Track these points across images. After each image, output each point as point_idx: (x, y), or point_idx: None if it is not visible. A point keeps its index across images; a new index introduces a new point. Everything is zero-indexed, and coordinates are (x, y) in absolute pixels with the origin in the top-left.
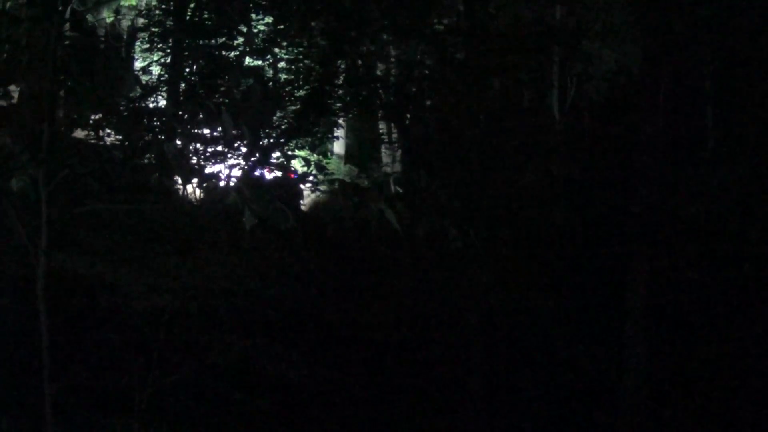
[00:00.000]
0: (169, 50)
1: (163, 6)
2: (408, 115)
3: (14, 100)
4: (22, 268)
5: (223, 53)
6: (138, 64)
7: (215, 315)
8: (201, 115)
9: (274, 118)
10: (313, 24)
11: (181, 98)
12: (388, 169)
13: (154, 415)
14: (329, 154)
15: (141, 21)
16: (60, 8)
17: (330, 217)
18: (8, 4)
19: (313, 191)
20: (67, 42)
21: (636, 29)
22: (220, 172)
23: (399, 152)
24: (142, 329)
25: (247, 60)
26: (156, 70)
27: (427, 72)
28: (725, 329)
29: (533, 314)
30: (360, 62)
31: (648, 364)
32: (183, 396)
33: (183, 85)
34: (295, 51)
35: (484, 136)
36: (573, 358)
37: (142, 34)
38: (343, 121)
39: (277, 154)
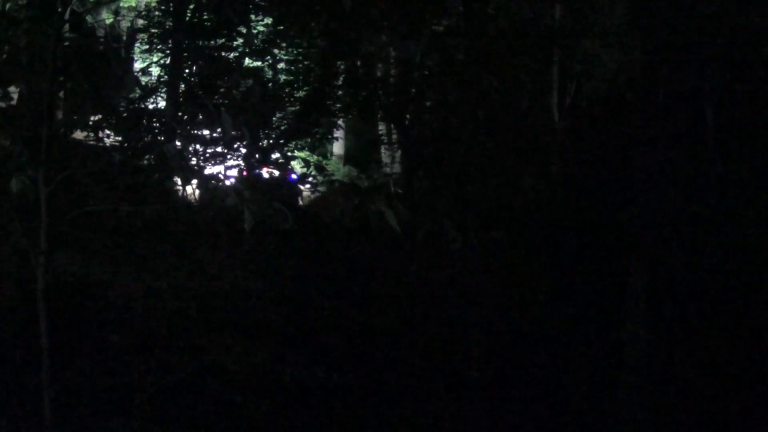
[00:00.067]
0: (168, 51)
1: (163, 7)
2: (408, 116)
3: (14, 101)
4: (22, 269)
5: (223, 54)
6: (137, 65)
7: (215, 316)
8: (201, 116)
9: (274, 118)
10: (312, 25)
11: (181, 99)
12: (388, 170)
13: (153, 415)
14: (329, 155)
15: (140, 22)
16: (59, 9)
17: (329, 217)
18: (8, 6)
19: (312, 192)
20: (66, 43)
21: (635, 29)
22: (219, 173)
23: (399, 153)
24: (141, 330)
25: (247, 61)
26: (155, 71)
27: (426, 73)
28: (725, 328)
29: (533, 314)
30: (359, 63)
31: (648, 362)
32: (182, 397)
33: (183, 86)
34: (295, 52)
35: (484, 136)
36: (573, 357)
37: (141, 35)
38: (343, 121)
39: (277, 155)
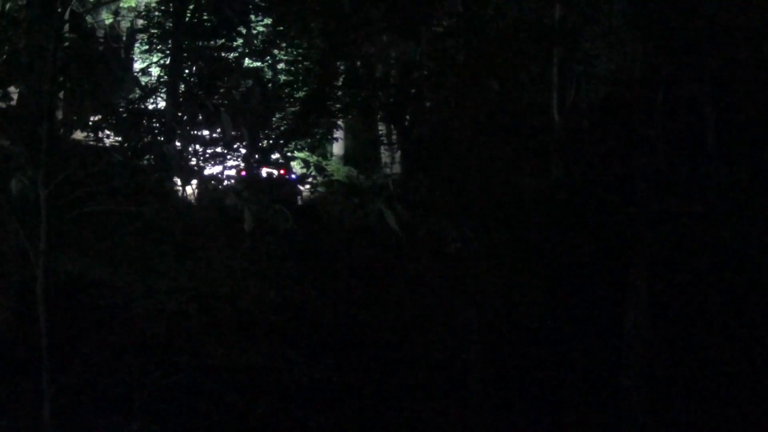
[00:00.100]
0: (168, 52)
1: (163, 7)
2: (407, 117)
3: (14, 102)
4: (22, 269)
5: (223, 55)
6: (137, 66)
7: (214, 316)
8: (200, 117)
9: (274, 119)
10: (312, 25)
11: (181, 100)
12: (388, 171)
13: (153, 415)
14: (329, 155)
15: (140, 22)
16: (59, 10)
17: (329, 217)
18: (8, 6)
19: (312, 192)
20: (66, 44)
21: (635, 30)
22: (219, 173)
23: (398, 153)
24: (141, 330)
25: (247, 61)
26: (155, 71)
27: (426, 73)
28: (726, 328)
29: (532, 314)
30: (359, 63)
31: (648, 362)
32: (182, 396)
33: (182, 86)
34: (295, 52)
35: (484, 137)
36: (572, 357)
37: (141, 36)
38: (342, 122)
39: (277, 155)
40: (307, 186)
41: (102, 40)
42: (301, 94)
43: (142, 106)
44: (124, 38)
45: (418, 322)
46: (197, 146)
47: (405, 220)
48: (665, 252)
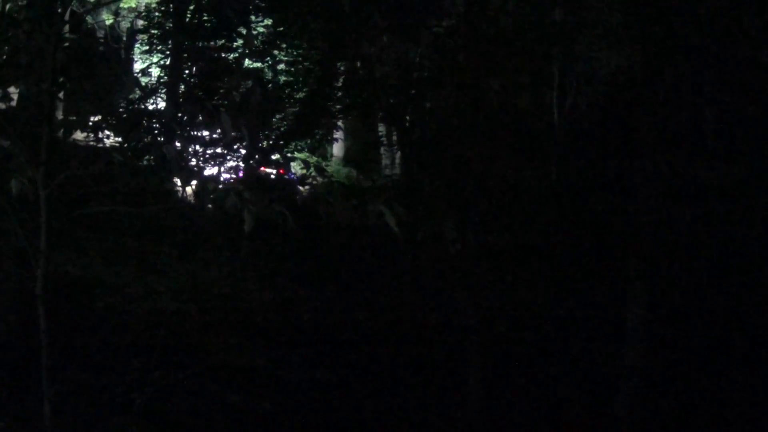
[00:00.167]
0: (168, 52)
1: (163, 8)
2: (407, 118)
3: (14, 102)
4: (22, 269)
5: (223, 55)
6: (137, 66)
7: (214, 317)
8: (200, 117)
9: (274, 120)
10: (312, 26)
11: (181, 100)
12: (388, 172)
13: (153, 416)
14: (329, 156)
15: (140, 23)
16: (59, 10)
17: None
18: (8, 6)
19: (310, 190)
20: (66, 44)
21: (635, 31)
22: (218, 174)
23: (398, 154)
24: (141, 331)
25: (247, 62)
26: (155, 72)
27: (426, 74)
28: (725, 332)
29: (532, 315)
30: (359, 64)
31: (647, 364)
32: (182, 398)
33: (182, 87)
34: (295, 53)
35: (484, 138)
36: (572, 357)
37: (141, 36)
38: (342, 123)
39: (277, 156)
40: (306, 186)
41: (102, 40)
42: (301, 94)
43: (142, 107)
44: (124, 39)
45: (417, 322)
46: (197, 147)
47: (405, 220)
48: (665, 253)
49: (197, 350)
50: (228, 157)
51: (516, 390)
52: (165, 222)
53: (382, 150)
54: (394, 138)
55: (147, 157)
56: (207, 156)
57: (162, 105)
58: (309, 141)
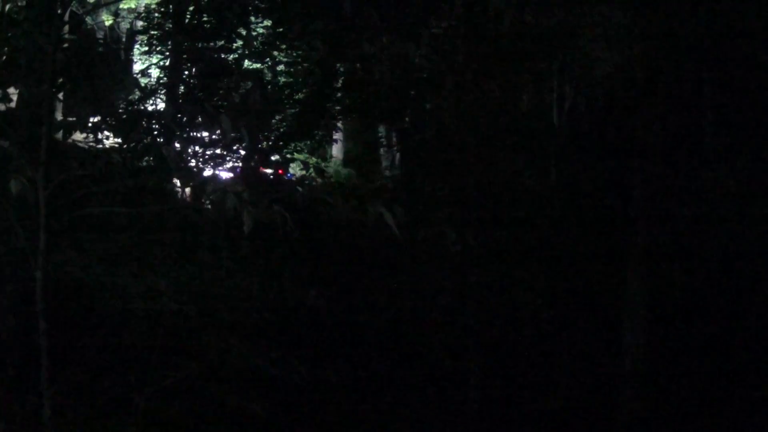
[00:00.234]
0: (168, 53)
1: (162, 9)
2: (407, 119)
3: (13, 103)
4: (22, 269)
5: (222, 56)
6: (137, 67)
7: (214, 317)
8: (200, 118)
9: (273, 120)
10: (312, 27)
11: (180, 101)
12: (387, 173)
13: (152, 417)
14: (328, 157)
15: (140, 24)
16: (59, 11)
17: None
18: (7, 7)
19: (311, 193)
20: (66, 45)
21: (635, 31)
22: (217, 175)
23: (398, 156)
24: (140, 332)
25: (246, 63)
26: (155, 72)
27: (425, 75)
28: (725, 332)
29: (531, 316)
30: (359, 65)
31: (647, 364)
32: (181, 398)
33: (182, 88)
34: (294, 54)
35: (483, 139)
36: (572, 361)
37: (141, 37)
38: (342, 124)
39: (276, 156)
40: (300, 189)
41: (102, 41)
42: (300, 95)
43: (142, 108)
44: (123, 39)
45: (417, 323)
46: (197, 148)
47: (405, 222)
48: (664, 255)
49: (197, 351)
50: (227, 158)
51: (516, 390)
52: (165, 222)
53: (381, 151)
54: (394, 139)
55: (146, 157)
56: (207, 157)
57: (161, 106)
58: (309, 142)
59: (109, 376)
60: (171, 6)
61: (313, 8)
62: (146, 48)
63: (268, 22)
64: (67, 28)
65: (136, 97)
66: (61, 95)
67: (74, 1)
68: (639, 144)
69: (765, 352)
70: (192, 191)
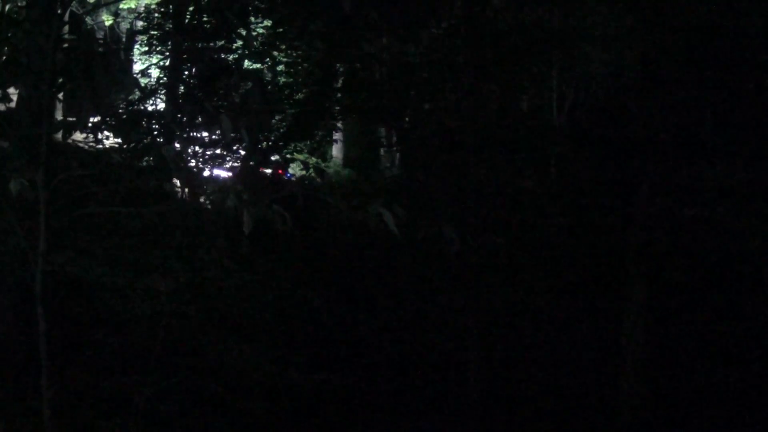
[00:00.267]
0: (168, 53)
1: (162, 9)
2: (407, 119)
3: (13, 103)
4: (21, 270)
5: (222, 56)
6: (137, 67)
7: (213, 318)
8: (200, 118)
9: (273, 121)
10: (311, 27)
11: (180, 101)
12: (388, 173)
13: (152, 417)
14: (328, 157)
15: (140, 24)
16: (59, 11)
17: (327, 218)
18: (7, 7)
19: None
20: (65, 45)
21: (634, 33)
22: (215, 175)
23: (398, 156)
24: (140, 332)
25: (246, 63)
26: (155, 72)
27: (425, 75)
28: (724, 331)
29: (531, 317)
30: (359, 66)
31: (647, 363)
32: (181, 398)
33: (182, 88)
34: (294, 54)
35: (483, 140)
36: (571, 358)
37: (141, 37)
38: (342, 124)
39: (276, 157)
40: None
41: (102, 41)
42: (300, 96)
43: (142, 108)
44: (123, 39)
45: (416, 324)
46: (197, 148)
47: (404, 222)
48: (664, 255)
49: (196, 351)
50: (227, 158)
51: (515, 390)
52: (165, 222)
53: (381, 151)
54: (394, 139)
55: (146, 158)
56: (206, 157)
57: (161, 106)
58: (309, 142)
59: (109, 376)
60: (171, 6)
61: (313, 8)
62: (146, 48)
63: (268, 23)
64: (67, 28)
65: (136, 97)
66: (61, 95)
67: (74, 1)
68: (639, 144)
69: (764, 350)
70: (191, 191)
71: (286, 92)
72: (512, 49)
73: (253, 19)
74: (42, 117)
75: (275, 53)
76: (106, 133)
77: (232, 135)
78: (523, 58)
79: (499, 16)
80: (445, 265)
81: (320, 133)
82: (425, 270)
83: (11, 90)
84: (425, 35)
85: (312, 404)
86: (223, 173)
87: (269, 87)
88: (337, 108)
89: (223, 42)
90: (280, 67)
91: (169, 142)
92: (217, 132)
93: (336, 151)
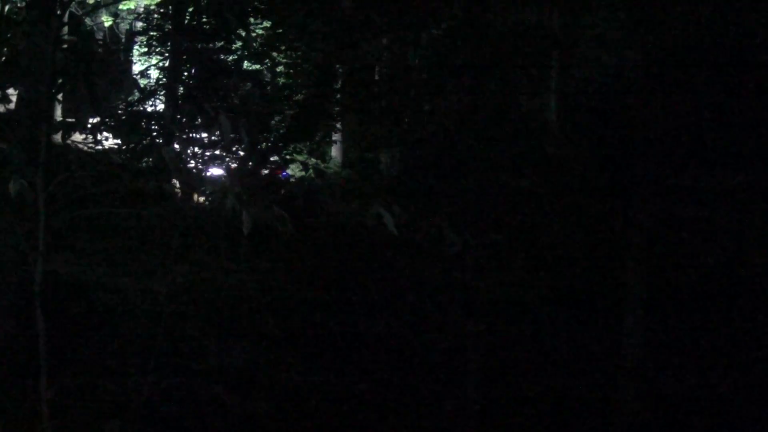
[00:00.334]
0: (167, 54)
1: (162, 10)
2: (406, 120)
3: (12, 104)
4: (20, 271)
5: (222, 57)
6: (136, 68)
7: (212, 318)
8: (199, 119)
9: (272, 122)
10: (311, 28)
11: (180, 102)
12: (387, 174)
13: (150, 418)
14: (328, 157)
15: (139, 25)
16: (58, 12)
17: (327, 218)
18: (7, 7)
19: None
20: (65, 46)
21: (635, 33)
22: (213, 175)
23: (397, 156)
24: (139, 332)
25: (246, 64)
26: (154, 73)
27: (425, 76)
28: (724, 333)
29: (530, 317)
30: (358, 66)
31: (646, 365)
32: (180, 399)
33: (181, 89)
34: (294, 55)
35: (482, 140)
36: (571, 359)
37: (140, 38)
38: (341, 125)
39: (275, 157)
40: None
41: (101, 42)
42: (300, 96)
43: (141, 109)
44: (123, 40)
45: (416, 324)
46: (196, 149)
47: (404, 222)
48: (663, 255)
49: (196, 351)
50: (227, 159)
51: (515, 390)
52: (164, 223)
53: (381, 152)
54: (394, 140)
55: (146, 158)
56: (206, 158)
57: (161, 107)
58: (308, 143)
59: (108, 376)
60: (170, 7)
61: (312, 9)
62: (145, 49)
63: (267, 23)
64: (66, 29)
65: (136, 98)
66: (60, 96)
67: (73, 2)
68: (639, 144)
69: (764, 350)
70: (185, 191)
71: (285, 93)
72: (512, 50)
73: (252, 19)
74: (41, 118)
75: (274, 54)
76: (105, 134)
77: (232, 136)
78: (523, 59)
79: (498, 17)
80: (445, 265)
81: (320, 133)
82: (425, 270)
83: (10, 91)
84: (425, 36)
85: (312, 405)
86: (218, 171)
87: (268, 88)
88: (337, 109)
89: (222, 43)
90: (280, 68)
91: (169, 143)
92: (217, 133)
93: (336, 151)
